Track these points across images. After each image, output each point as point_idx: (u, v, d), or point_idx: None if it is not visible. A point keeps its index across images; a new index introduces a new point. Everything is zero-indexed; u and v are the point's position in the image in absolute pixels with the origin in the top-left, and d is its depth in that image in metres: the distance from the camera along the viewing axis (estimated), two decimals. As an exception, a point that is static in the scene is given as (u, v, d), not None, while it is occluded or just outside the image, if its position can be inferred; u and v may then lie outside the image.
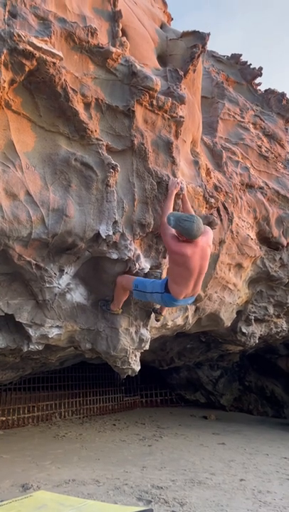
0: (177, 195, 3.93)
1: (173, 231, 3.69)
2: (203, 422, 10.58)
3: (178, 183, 3.93)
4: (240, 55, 7.84)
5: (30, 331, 4.16)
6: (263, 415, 11.96)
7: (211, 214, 4.78)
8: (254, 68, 7.77)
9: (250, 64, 7.80)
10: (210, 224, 4.55)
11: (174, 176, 3.90)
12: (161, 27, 4.90)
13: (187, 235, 3.57)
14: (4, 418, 8.54)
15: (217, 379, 11.85)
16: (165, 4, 5.81)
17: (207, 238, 3.80)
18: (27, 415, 9.06)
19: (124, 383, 11.81)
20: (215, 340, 8.27)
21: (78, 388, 10.59)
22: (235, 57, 7.85)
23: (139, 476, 5.27)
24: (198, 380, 11.94)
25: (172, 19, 5.90)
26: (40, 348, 4.43)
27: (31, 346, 4.36)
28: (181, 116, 3.91)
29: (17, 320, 4.02)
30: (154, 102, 3.71)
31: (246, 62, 7.82)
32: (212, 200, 4.60)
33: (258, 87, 7.95)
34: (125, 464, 5.92)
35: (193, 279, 3.83)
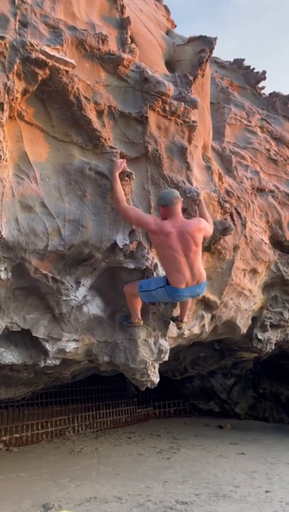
0: (193, 200, 3.84)
1: (143, 216, 3.59)
2: (219, 431, 10.39)
3: (121, 162, 3.59)
4: (243, 59, 7.82)
5: (47, 346, 4.06)
6: (278, 422, 11.74)
7: (226, 219, 4.70)
8: (257, 72, 7.74)
9: (254, 68, 7.77)
10: (226, 230, 4.47)
11: (190, 183, 3.83)
12: (167, 33, 4.87)
13: (163, 202, 3.55)
14: (18, 435, 8.40)
15: (231, 387, 11.67)
16: (168, 11, 5.79)
17: (192, 221, 3.71)
18: (41, 431, 8.92)
19: (136, 395, 11.64)
20: (229, 348, 8.14)
21: (91, 402, 10.44)
22: (238, 62, 7.83)
23: (162, 491, 5.13)
24: (212, 389, 11.76)
25: (176, 26, 5.88)
26: (57, 362, 4.33)
27: (48, 361, 4.26)
28: (194, 121, 3.85)
29: (34, 335, 3.93)
30: (167, 108, 3.66)
31: (249, 66, 7.80)
32: (227, 205, 4.52)
33: (262, 91, 7.91)
34: (145, 478, 5.77)
35: (183, 262, 3.64)
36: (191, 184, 3.88)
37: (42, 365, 4.27)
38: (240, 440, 8.96)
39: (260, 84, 7.85)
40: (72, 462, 6.80)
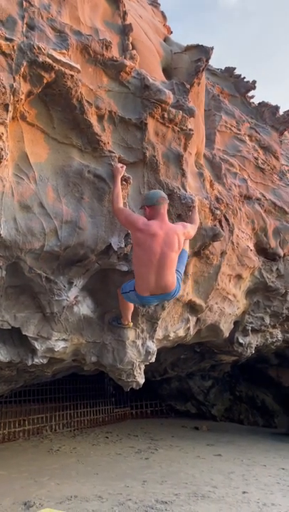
0: (188, 207, 3.93)
1: (131, 214, 3.57)
2: (196, 432, 10.52)
3: (121, 167, 3.62)
4: (234, 68, 7.96)
5: (36, 345, 4.09)
6: (253, 425, 11.97)
7: (216, 225, 4.80)
8: (248, 81, 7.89)
9: (244, 77, 7.92)
10: (216, 236, 4.57)
11: (185, 189, 3.91)
12: (164, 40, 4.95)
13: (150, 201, 3.52)
14: (-5, 433, 8.36)
15: (208, 389, 11.85)
16: (165, 18, 5.87)
17: (178, 227, 3.63)
18: (18, 429, 8.88)
19: (114, 395, 11.69)
20: (210, 350, 8.26)
21: (69, 401, 10.44)
22: (230, 70, 7.97)
23: (142, 491, 5.19)
24: (190, 391, 11.90)
25: (172, 32, 5.96)
26: (45, 361, 4.35)
27: (36, 360, 4.29)
28: (190, 129, 3.93)
29: (23, 333, 3.95)
30: (166, 115, 3.73)
31: (240, 75, 7.94)
32: (217, 212, 4.62)
33: (252, 100, 8.08)
34: (125, 478, 5.83)
35: (153, 269, 3.52)
36: (186, 191, 3.97)
37: (29, 363, 4.28)
38: (217, 442, 9.11)
39: (250, 93, 8.01)
40: (50, 461, 6.80)
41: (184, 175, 3.95)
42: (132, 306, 4.17)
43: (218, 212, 4.62)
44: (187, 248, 4.06)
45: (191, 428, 11.04)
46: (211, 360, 9.30)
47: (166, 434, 9.76)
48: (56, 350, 4.16)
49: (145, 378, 5.77)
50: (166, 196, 3.62)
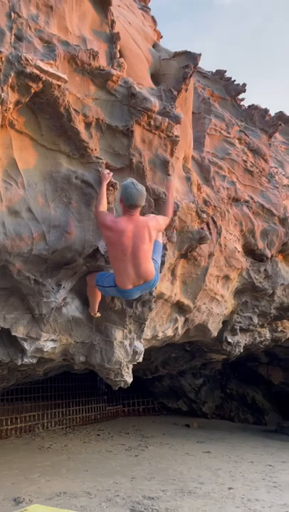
0: (173, 211, 4.03)
1: (108, 214, 3.61)
2: (187, 430, 10.67)
3: (108, 173, 3.69)
4: (225, 71, 8.06)
5: (26, 345, 4.18)
6: (244, 422, 12.15)
7: (202, 229, 4.91)
8: (238, 84, 7.99)
9: (234, 80, 8.03)
10: (202, 239, 4.68)
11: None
12: (153, 46, 5.04)
13: (126, 200, 3.50)
14: (-13, 430, 8.44)
15: (199, 387, 11.99)
16: (155, 22, 5.95)
17: (148, 220, 3.65)
18: (10, 427, 8.96)
19: (106, 392, 11.81)
20: (200, 349, 8.40)
21: (61, 399, 10.54)
22: (220, 73, 8.06)
23: (130, 487, 5.32)
24: (181, 389, 12.05)
25: (162, 37, 6.04)
26: (34, 361, 4.45)
27: (25, 360, 4.38)
28: (176, 136, 4.03)
29: (13, 334, 4.04)
30: (152, 122, 3.83)
31: (230, 78, 8.04)
32: (204, 216, 4.73)
33: (242, 103, 8.18)
34: (114, 474, 5.95)
35: (129, 263, 3.58)
36: (172, 196, 4.07)
37: (19, 363, 4.38)
38: (207, 439, 9.26)
39: (240, 96, 8.11)
40: (42, 458, 6.91)
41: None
42: (99, 296, 4.15)
43: (205, 215, 4.73)
44: (161, 240, 4.09)
45: (182, 425, 11.19)
46: (201, 359, 9.44)
47: (157, 432, 9.90)
48: (45, 350, 4.26)
49: (137, 376, 5.92)
50: (141, 203, 3.56)
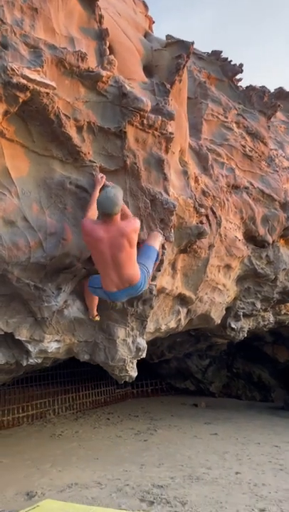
0: (170, 211, 4.00)
1: (87, 221, 3.50)
2: (195, 410, 10.87)
3: (101, 177, 3.64)
4: (221, 51, 7.85)
5: (30, 347, 4.24)
6: (251, 400, 12.34)
7: (202, 222, 4.88)
8: (235, 65, 7.79)
9: (231, 60, 7.82)
10: (201, 234, 4.66)
11: (167, 193, 3.98)
12: (145, 36, 4.90)
13: (100, 209, 3.45)
14: (-1, 419, 8.64)
15: (206, 367, 12.14)
16: (146, 7, 5.77)
17: (127, 225, 3.51)
18: (21, 415, 9.16)
19: (115, 376, 11.99)
20: (204, 334, 8.47)
21: (70, 384, 10.73)
22: (216, 53, 7.86)
23: (139, 475, 5.45)
24: (188, 370, 12.21)
25: (154, 22, 5.88)
26: (40, 361, 4.52)
27: (30, 360, 4.45)
28: (170, 133, 3.97)
29: (16, 337, 4.09)
30: (145, 122, 3.76)
31: (227, 58, 7.83)
32: (202, 210, 4.70)
33: (239, 83, 8.00)
34: (124, 462, 6.10)
35: (110, 268, 3.55)
36: (168, 194, 4.02)
37: (24, 364, 4.45)
38: (214, 419, 9.43)
39: (237, 77, 7.93)
40: (53, 446, 7.09)
41: (165, 178, 4.00)
42: (96, 299, 4.17)
43: (203, 210, 4.69)
44: (156, 245, 3.99)
45: (190, 405, 11.39)
46: (206, 342, 9.53)
47: (165, 414, 10.09)
48: (49, 351, 4.32)
49: (144, 359, 6.02)
50: (113, 211, 3.42)
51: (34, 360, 4.45)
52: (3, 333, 4.02)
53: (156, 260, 3.99)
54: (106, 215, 3.44)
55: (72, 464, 6.02)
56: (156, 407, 11.05)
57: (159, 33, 6.03)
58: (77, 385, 10.82)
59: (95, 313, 4.28)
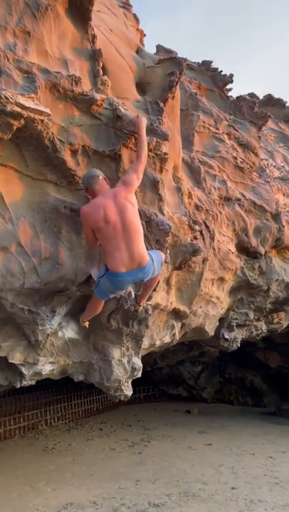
0: (166, 232, 3.95)
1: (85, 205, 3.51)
2: (187, 417, 10.85)
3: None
4: (211, 61, 7.84)
5: (24, 370, 4.17)
6: (243, 405, 12.37)
7: (195, 237, 4.86)
8: (225, 75, 7.79)
9: (221, 71, 7.82)
10: (196, 251, 4.64)
11: (162, 213, 3.95)
12: (137, 51, 4.86)
13: (84, 185, 3.50)
14: (-9, 432, 8.52)
15: (198, 374, 12.15)
16: (137, 21, 5.74)
17: (118, 188, 3.51)
18: (13, 427, 9.04)
19: (107, 384, 11.90)
20: (197, 343, 8.46)
21: (62, 393, 10.63)
22: (206, 64, 7.85)
23: (135, 493, 5.41)
24: (180, 376, 12.20)
25: (145, 35, 5.84)
26: (33, 383, 4.45)
27: (24, 382, 4.38)
28: (165, 153, 3.94)
29: (10, 361, 4.02)
30: (140, 143, 3.72)
31: (217, 68, 7.83)
32: (196, 227, 4.68)
33: (229, 93, 8.01)
34: (119, 477, 6.04)
35: (121, 238, 3.41)
36: (163, 215, 4.00)
37: (18, 386, 4.38)
38: (208, 428, 9.42)
39: (228, 87, 7.93)
40: (46, 461, 6.99)
41: (160, 199, 3.97)
42: (97, 310, 4.00)
43: (197, 227, 4.67)
44: (162, 254, 3.98)
45: (182, 412, 11.37)
46: (199, 350, 9.52)
47: (159, 422, 10.04)
48: (44, 373, 4.25)
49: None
50: (98, 173, 3.50)
51: (28, 382, 4.38)
52: (-4, 357, 3.95)
53: (161, 263, 3.90)
54: (90, 187, 3.45)
55: (67, 482, 5.95)
56: (149, 414, 11.00)
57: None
58: (69, 394, 10.72)
59: (86, 320, 4.11)
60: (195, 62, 7.91)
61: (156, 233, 3.93)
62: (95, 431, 9.36)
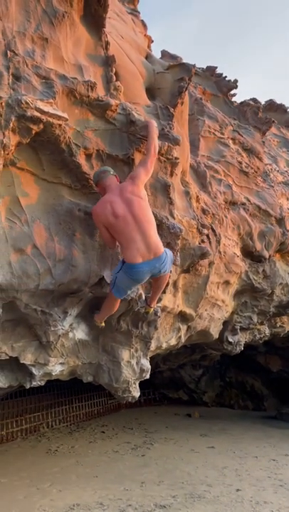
0: (176, 236, 4.02)
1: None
2: (188, 421, 10.87)
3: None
4: (216, 67, 7.95)
5: (34, 370, 4.21)
6: (244, 409, 12.40)
7: (202, 241, 4.92)
8: (229, 80, 7.90)
9: (226, 76, 7.93)
10: (204, 255, 4.70)
11: (173, 217, 4.01)
12: (146, 57, 4.94)
13: (95, 180, 3.59)
14: (-6, 435, 8.53)
15: (199, 377, 12.18)
16: (145, 27, 5.83)
17: (126, 182, 3.58)
18: (15, 429, 9.06)
19: (108, 387, 11.93)
20: (200, 346, 8.50)
21: (64, 396, 10.64)
22: (211, 69, 7.96)
23: (140, 494, 5.44)
24: (181, 380, 12.23)
25: (152, 41, 5.93)
26: (43, 383, 4.50)
27: (34, 383, 4.43)
28: (176, 158, 4.01)
29: (21, 362, 4.06)
30: (152, 148, 3.79)
31: (221, 74, 7.94)
32: (204, 231, 4.74)
33: (233, 98, 8.10)
34: (124, 479, 6.07)
35: (135, 230, 3.47)
36: (174, 218, 4.06)
37: (27, 386, 4.43)
38: (209, 431, 9.45)
39: (232, 92, 8.03)
40: (50, 463, 7.01)
41: (171, 203, 4.04)
42: (113, 309, 4.03)
43: (206, 230, 4.74)
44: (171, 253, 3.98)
45: (183, 416, 11.39)
46: (201, 353, 9.56)
47: (160, 425, 10.06)
48: (54, 373, 4.30)
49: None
50: (107, 169, 3.59)
51: (37, 383, 4.43)
52: (8, 357, 3.99)
53: (171, 263, 3.93)
54: (101, 182, 3.54)
55: (72, 483, 5.97)
56: (150, 418, 11.02)
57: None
58: (70, 396, 10.73)
59: (102, 320, 4.15)
60: (200, 68, 8.00)
61: (167, 236, 4.00)
62: (97, 433, 9.38)
